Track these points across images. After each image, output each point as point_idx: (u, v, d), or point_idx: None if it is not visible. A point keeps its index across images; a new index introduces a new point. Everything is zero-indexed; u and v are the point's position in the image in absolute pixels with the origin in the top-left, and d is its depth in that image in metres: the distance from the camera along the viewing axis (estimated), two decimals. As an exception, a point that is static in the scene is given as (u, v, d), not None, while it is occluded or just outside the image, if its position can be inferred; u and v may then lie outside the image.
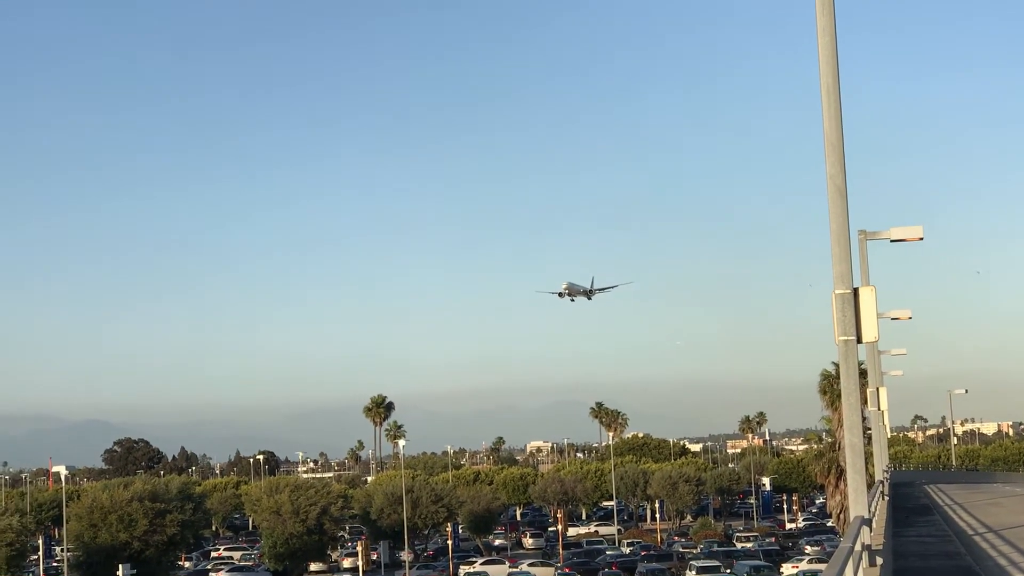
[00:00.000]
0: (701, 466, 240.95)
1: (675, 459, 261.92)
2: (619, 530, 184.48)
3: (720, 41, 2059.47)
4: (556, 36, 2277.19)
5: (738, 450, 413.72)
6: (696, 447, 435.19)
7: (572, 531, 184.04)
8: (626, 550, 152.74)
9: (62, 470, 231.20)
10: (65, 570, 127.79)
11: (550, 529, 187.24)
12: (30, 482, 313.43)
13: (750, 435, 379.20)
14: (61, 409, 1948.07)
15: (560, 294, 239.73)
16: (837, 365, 53.56)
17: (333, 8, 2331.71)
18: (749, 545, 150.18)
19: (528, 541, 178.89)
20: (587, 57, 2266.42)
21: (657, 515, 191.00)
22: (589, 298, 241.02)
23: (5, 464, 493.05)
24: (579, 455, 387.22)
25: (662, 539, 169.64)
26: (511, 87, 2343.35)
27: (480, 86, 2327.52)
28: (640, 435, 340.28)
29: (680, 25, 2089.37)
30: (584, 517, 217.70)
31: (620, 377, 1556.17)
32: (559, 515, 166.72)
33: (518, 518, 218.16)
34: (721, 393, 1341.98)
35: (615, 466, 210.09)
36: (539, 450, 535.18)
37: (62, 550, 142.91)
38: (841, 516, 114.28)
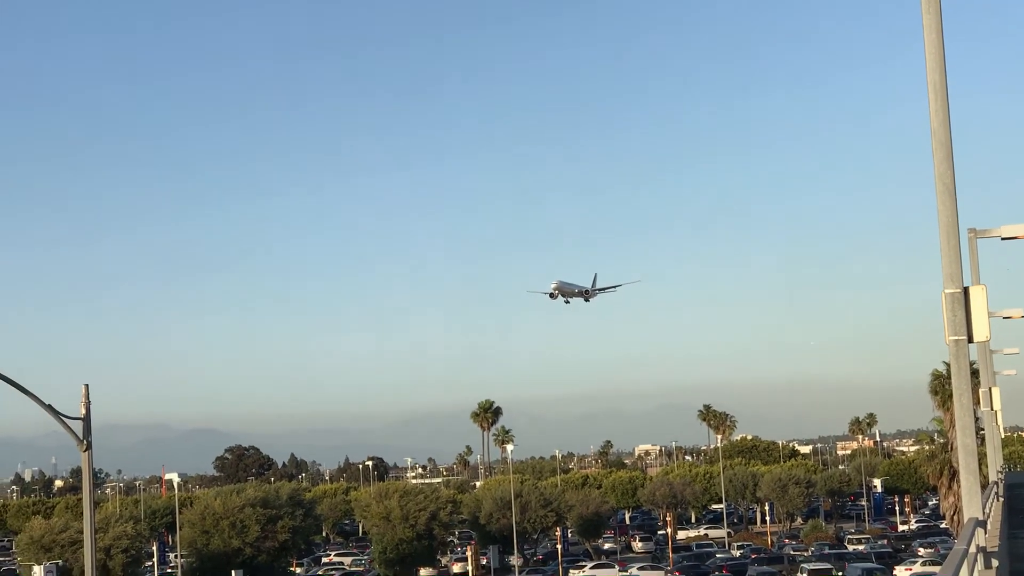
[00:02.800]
0: (811, 468, 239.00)
1: (784, 461, 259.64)
2: (729, 533, 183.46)
3: (820, 40, 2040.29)
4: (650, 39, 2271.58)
5: (848, 452, 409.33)
6: (805, 449, 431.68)
7: (681, 534, 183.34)
8: (736, 553, 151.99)
9: (175, 477, 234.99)
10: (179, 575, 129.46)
11: (659, 532, 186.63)
12: (144, 489, 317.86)
13: (860, 436, 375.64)
14: (173, 418, 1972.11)
15: (551, 295, 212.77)
16: (948, 365, 52.81)
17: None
18: (861, 547, 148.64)
19: (637, 545, 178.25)
20: (691, 61, 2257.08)
21: (767, 518, 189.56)
22: (586, 299, 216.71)
23: (119, 472, 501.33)
24: (687, 458, 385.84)
25: (772, 542, 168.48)
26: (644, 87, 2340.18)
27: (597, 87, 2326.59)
28: (749, 437, 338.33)
29: (778, 25, 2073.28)
30: (693, 520, 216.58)
31: (728, 379, 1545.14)
32: (668, 518, 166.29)
33: (627, 522, 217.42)
34: (830, 394, 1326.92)
35: (724, 469, 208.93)
36: (647, 453, 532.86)
37: (176, 556, 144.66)
38: (955, 518, 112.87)
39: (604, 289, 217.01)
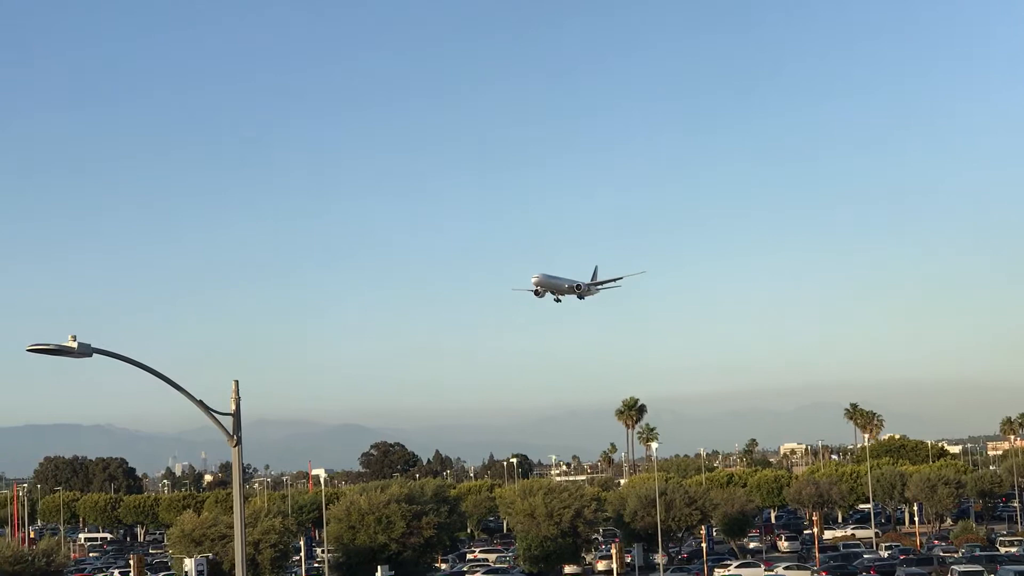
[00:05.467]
0: (961, 468, 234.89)
1: (933, 461, 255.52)
2: (876, 533, 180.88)
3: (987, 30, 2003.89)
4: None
5: (999, 452, 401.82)
6: (955, 449, 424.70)
7: (828, 534, 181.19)
8: (884, 554, 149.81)
9: (321, 473, 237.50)
10: (326, 571, 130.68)
11: (805, 532, 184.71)
12: (291, 485, 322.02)
13: (1012, 436, 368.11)
14: (319, 413, 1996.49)
15: (536, 292, 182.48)
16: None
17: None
18: (1013, 550, 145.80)
19: (783, 544, 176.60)
20: (835, 51, 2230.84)
21: (916, 518, 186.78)
22: (580, 296, 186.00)
23: (267, 467, 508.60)
24: (834, 457, 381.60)
25: (921, 543, 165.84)
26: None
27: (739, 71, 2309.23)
28: (896, 436, 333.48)
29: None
30: (840, 520, 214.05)
31: (875, 377, 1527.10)
32: (815, 518, 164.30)
33: (772, 521, 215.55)
34: (980, 393, 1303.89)
35: (871, 468, 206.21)
36: (793, 452, 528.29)
37: (323, 551, 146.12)
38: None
39: (603, 283, 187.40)
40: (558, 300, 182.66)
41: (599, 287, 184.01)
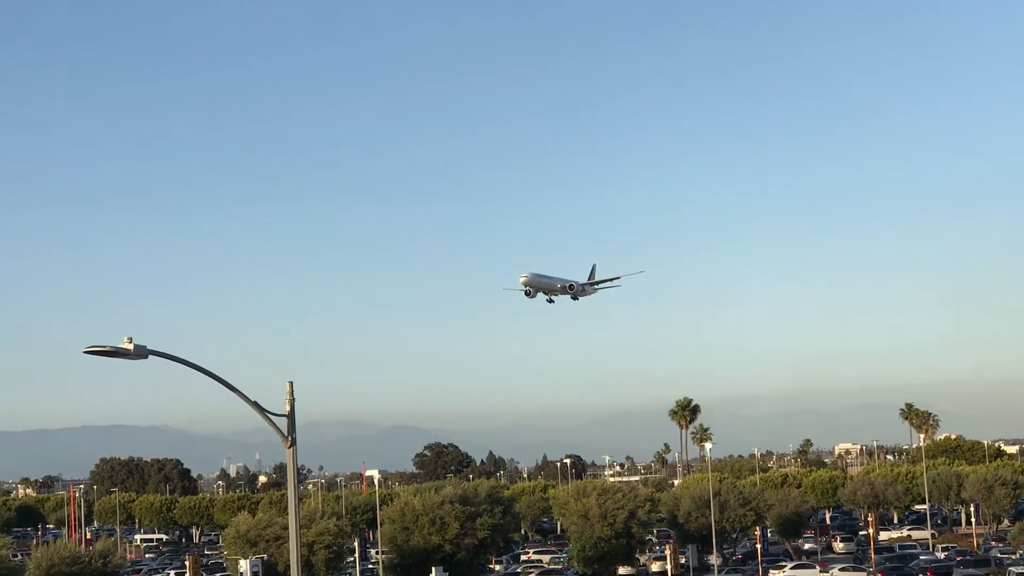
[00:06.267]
0: (1018, 469, 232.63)
1: (990, 461, 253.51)
2: (933, 534, 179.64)
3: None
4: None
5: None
6: (1012, 449, 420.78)
7: (884, 535, 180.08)
8: (941, 555, 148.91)
9: (375, 474, 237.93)
10: (380, 572, 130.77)
11: (861, 533, 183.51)
12: (345, 486, 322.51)
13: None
14: (373, 415, 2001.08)
15: (526, 292, 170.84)
16: None
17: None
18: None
19: (838, 545, 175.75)
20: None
21: (972, 519, 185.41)
22: (574, 297, 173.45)
23: (322, 468, 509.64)
24: (889, 457, 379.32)
25: (978, 544, 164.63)
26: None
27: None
28: (952, 437, 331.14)
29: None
30: (896, 521, 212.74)
31: (930, 377, 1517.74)
32: (870, 519, 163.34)
33: (827, 522, 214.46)
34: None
35: (927, 469, 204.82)
36: (847, 452, 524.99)
37: (377, 552, 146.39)
38: None
39: (599, 283, 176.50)
40: (551, 301, 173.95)
41: (595, 287, 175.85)
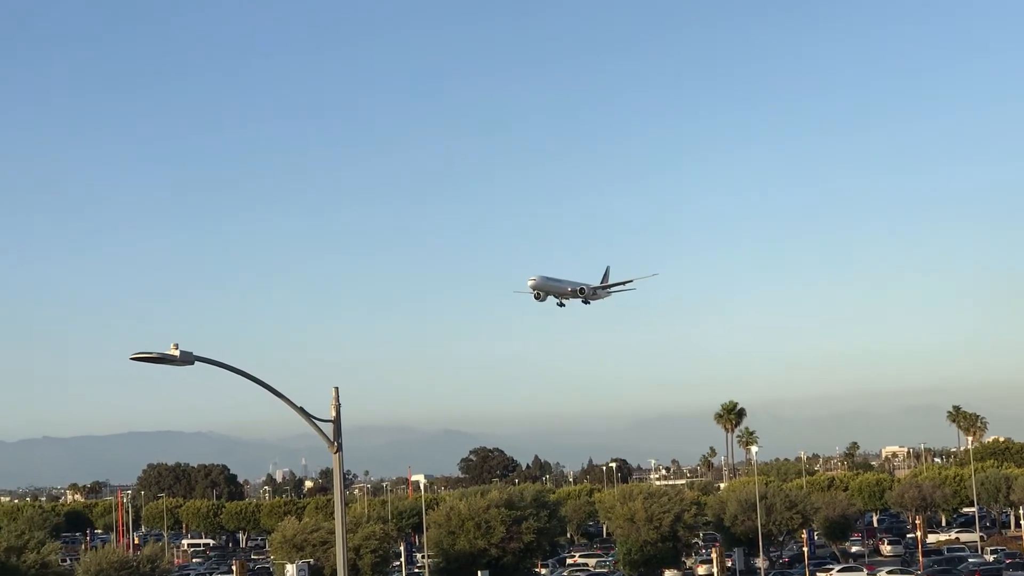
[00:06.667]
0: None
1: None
2: (981, 537, 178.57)
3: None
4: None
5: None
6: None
7: (931, 538, 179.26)
8: (989, 558, 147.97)
9: (421, 479, 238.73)
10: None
11: (908, 536, 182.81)
12: (391, 491, 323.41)
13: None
14: (419, 420, 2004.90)
15: (536, 295, 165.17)
16: None
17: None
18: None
19: (886, 548, 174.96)
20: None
21: (1021, 522, 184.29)
22: (585, 301, 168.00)
23: (367, 473, 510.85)
24: (936, 460, 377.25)
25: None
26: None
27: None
28: (1000, 439, 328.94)
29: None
30: (944, 524, 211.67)
31: (978, 379, 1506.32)
32: (918, 521, 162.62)
33: (875, 524, 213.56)
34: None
35: (975, 471, 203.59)
36: (894, 455, 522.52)
37: (423, 556, 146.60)
38: None
39: (612, 286, 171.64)
40: (561, 304, 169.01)
41: (608, 290, 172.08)
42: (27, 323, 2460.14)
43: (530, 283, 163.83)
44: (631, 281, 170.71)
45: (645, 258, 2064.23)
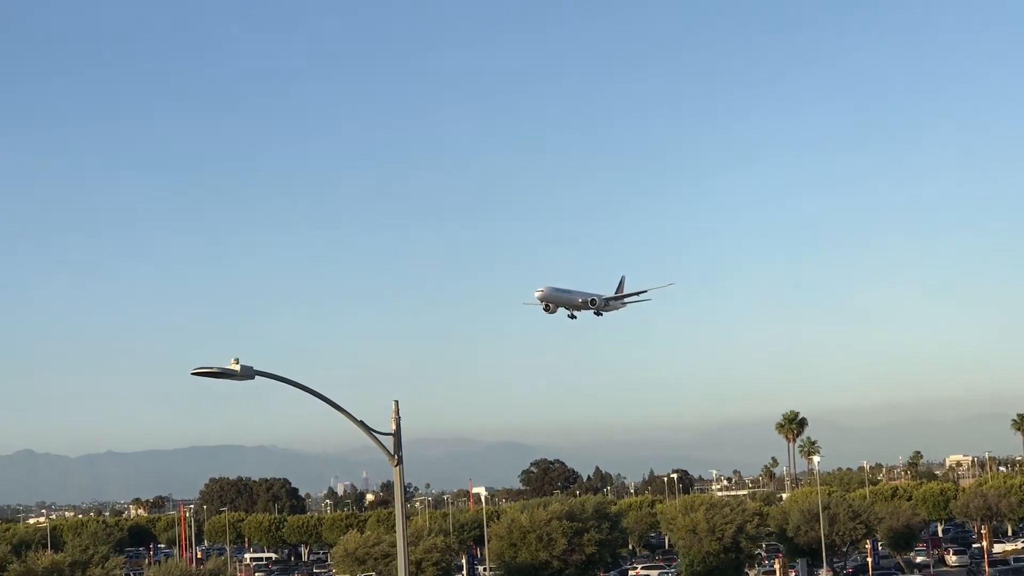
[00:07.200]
0: None
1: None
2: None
3: None
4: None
5: None
6: None
7: (998, 547, 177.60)
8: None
9: (482, 491, 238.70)
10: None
11: (974, 546, 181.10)
12: (452, 503, 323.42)
13: None
14: (479, 431, 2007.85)
15: (546, 307, 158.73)
16: None
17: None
18: None
19: (951, 558, 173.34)
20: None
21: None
22: (598, 312, 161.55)
23: (428, 486, 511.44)
24: (1002, 469, 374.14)
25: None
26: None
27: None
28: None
29: None
30: (1010, 533, 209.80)
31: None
32: (983, 531, 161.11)
33: (939, 534, 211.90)
34: None
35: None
36: (959, 464, 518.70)
37: (484, 569, 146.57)
38: None
39: (625, 297, 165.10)
40: (573, 316, 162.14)
41: (622, 301, 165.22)
42: (90, 340, 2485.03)
43: (537, 294, 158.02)
44: (645, 292, 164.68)
45: (707, 266, 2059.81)
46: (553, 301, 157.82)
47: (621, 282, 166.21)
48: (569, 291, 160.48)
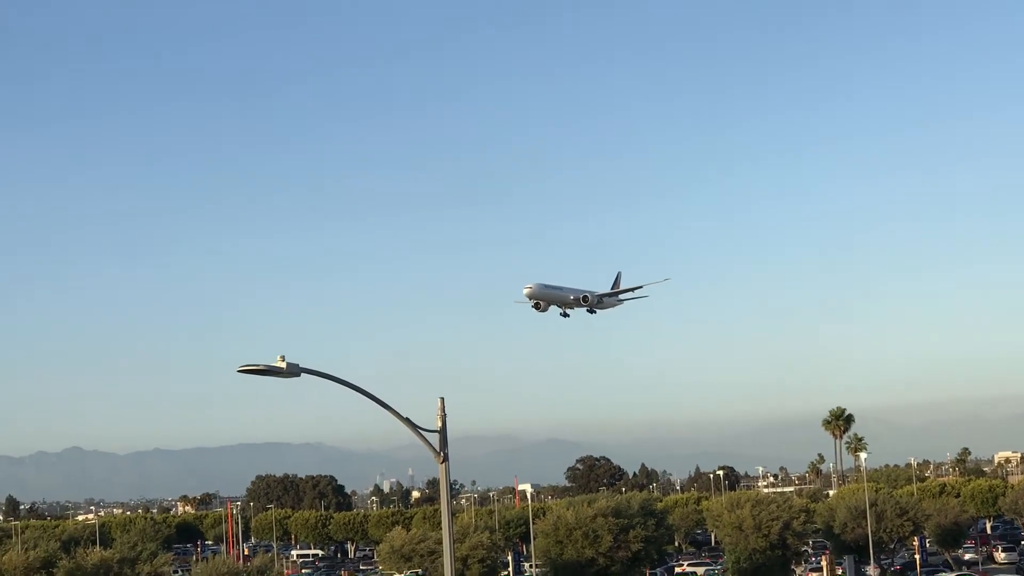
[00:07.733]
0: None
1: None
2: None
3: None
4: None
5: None
6: None
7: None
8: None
9: (528, 488, 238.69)
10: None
11: (1023, 543, 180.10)
12: (497, 500, 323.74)
13: None
14: (524, 428, 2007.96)
15: (536, 305, 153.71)
16: None
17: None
18: None
19: (1000, 556, 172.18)
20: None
21: None
22: (591, 310, 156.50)
23: (474, 483, 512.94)
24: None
25: None
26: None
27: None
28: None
29: None
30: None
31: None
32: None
33: (988, 531, 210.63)
34: None
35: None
36: (1007, 460, 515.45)
37: (530, 566, 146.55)
38: None
39: (619, 293, 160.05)
40: (565, 315, 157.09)
41: (615, 298, 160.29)
42: (137, 337, 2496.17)
43: (526, 291, 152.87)
44: (641, 287, 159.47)
45: (751, 264, 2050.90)
46: (543, 299, 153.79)
47: (617, 278, 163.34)
48: (560, 288, 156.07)
